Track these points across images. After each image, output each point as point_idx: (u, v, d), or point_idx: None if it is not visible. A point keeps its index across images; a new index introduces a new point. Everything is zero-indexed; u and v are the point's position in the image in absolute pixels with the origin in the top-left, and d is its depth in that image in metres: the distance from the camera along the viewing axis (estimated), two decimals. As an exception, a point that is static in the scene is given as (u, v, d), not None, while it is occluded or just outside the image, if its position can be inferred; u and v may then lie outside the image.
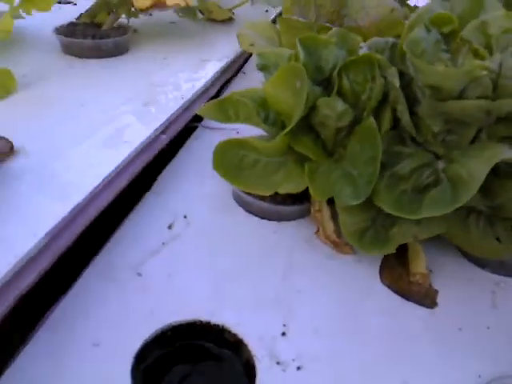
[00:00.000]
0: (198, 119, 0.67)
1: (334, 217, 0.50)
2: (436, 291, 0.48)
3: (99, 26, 0.78)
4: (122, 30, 0.78)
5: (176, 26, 0.86)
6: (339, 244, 0.51)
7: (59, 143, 0.55)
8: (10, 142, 0.53)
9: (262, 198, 0.52)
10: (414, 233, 0.46)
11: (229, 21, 0.95)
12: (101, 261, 0.47)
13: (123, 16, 0.79)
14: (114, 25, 0.78)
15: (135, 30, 0.81)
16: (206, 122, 0.66)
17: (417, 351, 0.43)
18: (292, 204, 0.53)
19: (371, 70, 0.46)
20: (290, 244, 0.51)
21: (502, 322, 0.46)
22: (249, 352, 0.41)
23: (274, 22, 0.77)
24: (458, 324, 0.45)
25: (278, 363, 0.41)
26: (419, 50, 0.44)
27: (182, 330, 0.42)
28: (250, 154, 0.49)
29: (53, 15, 0.73)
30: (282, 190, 0.49)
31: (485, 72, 0.41)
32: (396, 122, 0.48)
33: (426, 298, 0.47)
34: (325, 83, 0.48)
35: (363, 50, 0.49)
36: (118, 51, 0.76)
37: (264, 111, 0.51)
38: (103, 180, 0.49)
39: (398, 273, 0.49)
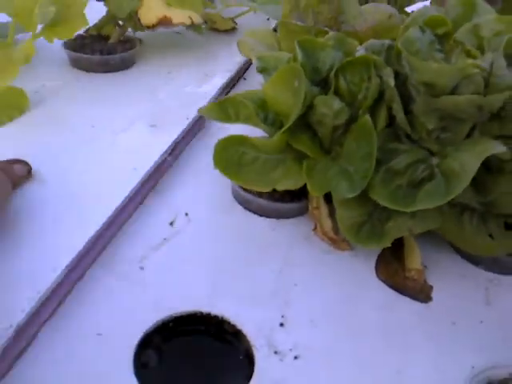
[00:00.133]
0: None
1: (332, 214, 0.51)
2: (431, 287, 0.49)
3: (106, 38, 0.80)
4: (129, 44, 0.79)
5: (181, 36, 0.88)
6: (337, 240, 0.52)
7: (73, 168, 0.56)
8: (28, 165, 0.54)
9: (261, 196, 0.53)
10: (409, 226, 0.47)
11: (232, 30, 0.98)
12: (106, 255, 0.48)
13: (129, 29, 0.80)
14: (121, 38, 0.80)
15: (140, 41, 0.82)
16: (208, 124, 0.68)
17: (411, 343, 0.44)
18: (290, 201, 0.54)
19: (367, 71, 0.48)
20: (288, 240, 0.52)
21: (495, 316, 0.47)
22: (248, 342, 0.42)
23: (275, 30, 0.79)
24: (452, 318, 0.46)
25: (275, 352, 0.42)
26: (414, 49, 0.45)
27: (183, 321, 0.43)
28: (250, 151, 0.50)
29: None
30: (281, 187, 0.50)
31: (477, 70, 0.43)
32: (392, 119, 0.49)
33: (420, 292, 0.48)
34: (322, 83, 0.50)
35: (360, 52, 0.51)
36: (125, 65, 0.78)
37: (263, 112, 0.52)
38: (115, 209, 0.50)
39: (393, 268, 0.50)
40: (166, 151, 0.59)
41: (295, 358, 0.41)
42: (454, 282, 0.50)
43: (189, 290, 0.46)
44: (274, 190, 0.51)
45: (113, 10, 0.77)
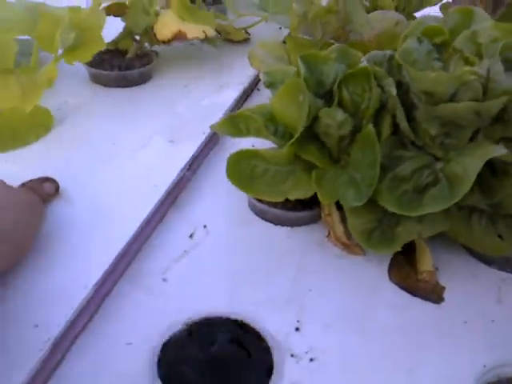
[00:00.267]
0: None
1: (344, 220, 0.53)
2: (443, 287, 0.50)
3: (124, 53, 0.83)
4: (146, 59, 0.82)
5: (195, 48, 0.90)
6: (349, 245, 0.54)
7: (97, 186, 0.59)
8: (56, 183, 0.57)
9: (275, 206, 0.56)
10: (418, 230, 0.49)
11: (245, 41, 1.00)
12: (131, 269, 0.51)
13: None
14: (138, 52, 0.83)
15: (157, 54, 0.85)
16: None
17: (423, 342, 0.45)
18: (303, 210, 0.56)
19: (368, 82, 0.50)
20: (302, 247, 0.54)
21: (507, 315, 0.48)
22: (266, 344, 0.45)
23: (285, 42, 0.81)
24: (464, 317, 0.48)
25: (292, 355, 0.44)
26: (411, 60, 0.47)
27: (204, 326, 0.46)
28: (261, 163, 0.53)
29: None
30: (292, 197, 0.52)
31: (474, 76, 0.44)
32: (396, 127, 0.51)
33: (432, 293, 0.50)
34: (327, 96, 0.52)
35: (363, 63, 0.53)
36: (143, 79, 0.81)
37: (273, 124, 0.54)
38: (139, 226, 0.53)
39: (405, 271, 0.52)
40: (184, 167, 0.62)
41: (311, 360, 0.44)
42: (466, 282, 0.51)
43: (209, 298, 0.48)
44: (287, 200, 0.53)
45: (130, 25, 0.80)
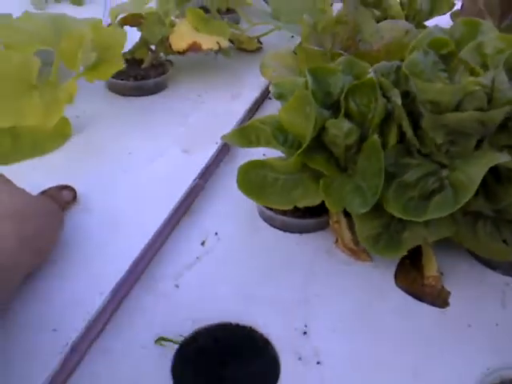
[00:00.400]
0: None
1: (352, 227, 0.54)
2: (448, 292, 0.51)
3: (140, 62, 0.85)
4: (161, 68, 0.85)
5: (209, 57, 0.92)
6: (357, 252, 0.55)
7: (113, 194, 0.62)
8: (74, 191, 0.59)
9: (284, 213, 0.57)
10: (424, 235, 0.50)
11: (257, 50, 1.02)
12: (146, 275, 0.52)
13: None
14: (153, 62, 0.85)
15: (172, 64, 0.87)
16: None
17: (428, 346, 0.47)
18: (311, 217, 0.57)
19: (374, 92, 0.51)
20: (310, 254, 0.56)
21: (511, 319, 0.49)
22: (274, 349, 0.46)
23: (295, 52, 0.82)
24: (468, 321, 0.49)
25: (299, 359, 0.45)
26: (418, 71, 0.48)
27: (215, 331, 0.48)
28: (270, 173, 0.54)
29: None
30: (301, 205, 0.54)
31: (478, 87, 0.45)
32: (403, 136, 0.52)
33: (438, 298, 0.51)
34: (334, 106, 0.53)
35: (371, 74, 0.54)
36: (158, 89, 0.84)
37: (282, 134, 0.56)
38: (153, 234, 0.55)
39: (412, 276, 0.53)
40: (197, 176, 0.64)
41: (318, 363, 0.45)
42: (471, 287, 0.52)
43: (219, 303, 0.50)
44: (296, 207, 0.55)
45: (145, 35, 0.83)
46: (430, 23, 0.89)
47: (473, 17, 0.82)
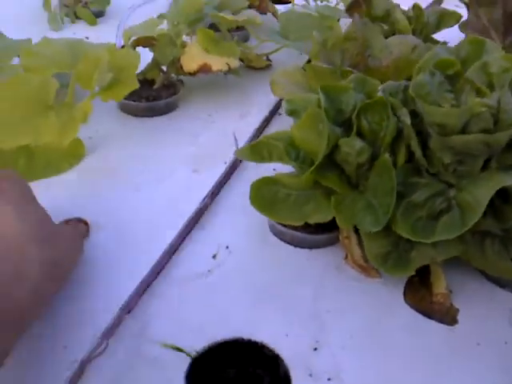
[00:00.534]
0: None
1: (362, 243, 0.55)
2: (457, 310, 0.52)
3: (152, 83, 0.87)
4: (173, 89, 0.86)
5: (219, 76, 0.93)
6: (366, 268, 0.56)
7: (125, 214, 0.63)
8: (87, 224, 0.60)
9: (295, 228, 0.58)
10: (432, 255, 0.51)
11: (267, 68, 1.03)
12: (158, 288, 0.54)
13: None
14: (165, 82, 0.87)
15: (182, 83, 0.89)
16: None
17: (437, 364, 0.47)
18: (322, 233, 0.58)
19: (385, 111, 0.52)
20: (320, 269, 0.56)
21: (520, 337, 0.50)
22: (285, 366, 0.47)
23: (304, 69, 0.84)
24: (477, 339, 0.49)
25: (310, 375, 0.46)
26: (424, 92, 0.49)
27: (227, 347, 0.49)
28: (282, 189, 0.55)
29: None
30: (312, 221, 0.55)
31: (484, 108, 0.46)
32: (412, 155, 0.53)
33: (447, 315, 0.51)
34: (346, 124, 0.55)
35: (379, 93, 0.55)
36: (169, 109, 0.85)
37: (294, 150, 0.57)
38: (163, 252, 0.57)
39: (420, 294, 0.54)
40: (206, 195, 0.65)
41: (328, 379, 0.46)
42: (480, 305, 0.53)
43: (230, 317, 0.51)
44: (307, 223, 0.56)
45: (157, 57, 0.85)
46: (438, 36, 0.91)
47: (477, 32, 0.84)
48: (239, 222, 0.63)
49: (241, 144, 0.75)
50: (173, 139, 0.78)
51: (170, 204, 0.65)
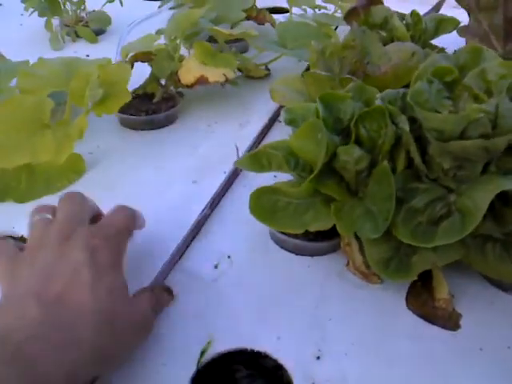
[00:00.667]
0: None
1: (363, 249, 0.55)
2: (459, 315, 0.52)
3: (151, 96, 0.88)
4: (172, 102, 0.87)
5: (218, 87, 0.93)
6: (368, 275, 0.56)
7: None
8: (172, 294, 0.56)
9: (296, 236, 0.58)
10: (433, 260, 0.51)
11: (265, 77, 1.04)
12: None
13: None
14: (164, 95, 0.87)
15: (181, 95, 0.89)
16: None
17: (440, 369, 0.47)
18: (323, 240, 0.58)
19: (384, 119, 0.52)
20: (322, 276, 0.57)
21: (523, 341, 0.50)
22: (288, 375, 0.47)
23: (303, 75, 0.84)
24: (480, 344, 0.49)
25: None
26: (422, 100, 0.50)
27: (232, 356, 0.49)
28: (282, 198, 0.56)
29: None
30: (312, 228, 0.55)
31: (482, 114, 0.47)
32: (411, 161, 0.53)
33: (449, 321, 0.51)
34: (344, 132, 0.55)
35: (378, 101, 0.55)
36: (169, 121, 0.86)
37: (294, 158, 0.57)
38: (164, 264, 0.57)
39: (423, 299, 0.54)
40: (205, 206, 0.65)
41: (332, 387, 0.46)
42: (482, 309, 0.53)
43: (233, 326, 0.51)
44: (308, 231, 0.56)
45: (155, 71, 0.85)
46: (436, 42, 0.92)
47: (477, 37, 0.85)
48: (240, 231, 0.63)
49: (240, 154, 0.75)
50: (173, 151, 0.79)
51: (171, 215, 0.65)
